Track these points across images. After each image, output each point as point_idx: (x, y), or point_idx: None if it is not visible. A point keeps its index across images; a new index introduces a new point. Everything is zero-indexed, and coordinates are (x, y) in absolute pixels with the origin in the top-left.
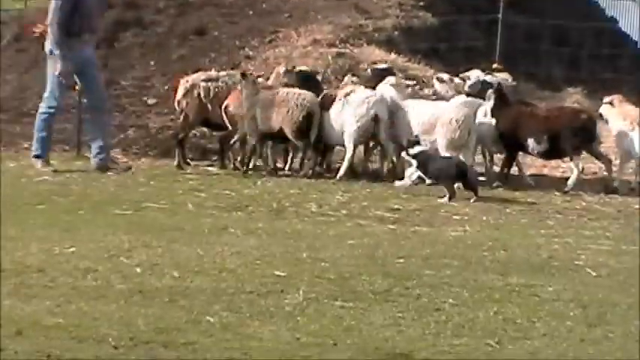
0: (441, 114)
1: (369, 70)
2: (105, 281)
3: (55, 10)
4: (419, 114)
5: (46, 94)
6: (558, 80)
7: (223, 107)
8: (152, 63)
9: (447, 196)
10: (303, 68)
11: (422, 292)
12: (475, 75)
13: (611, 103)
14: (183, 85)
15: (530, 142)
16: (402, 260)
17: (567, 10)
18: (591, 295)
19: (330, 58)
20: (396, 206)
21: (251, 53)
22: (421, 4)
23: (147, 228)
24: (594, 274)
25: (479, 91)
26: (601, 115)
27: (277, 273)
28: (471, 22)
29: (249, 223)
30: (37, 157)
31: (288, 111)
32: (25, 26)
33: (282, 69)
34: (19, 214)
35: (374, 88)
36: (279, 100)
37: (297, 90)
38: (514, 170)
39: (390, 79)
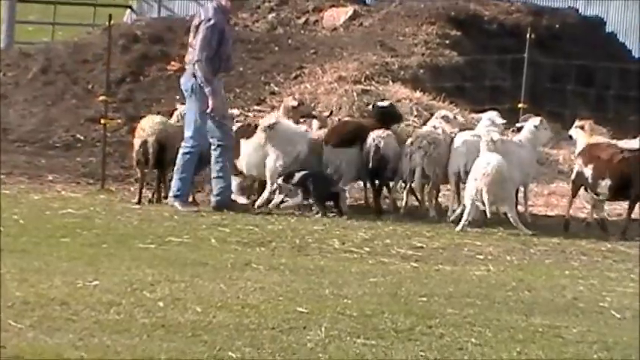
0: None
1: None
2: (128, 315)
3: (203, 47)
4: None
5: (189, 134)
6: None
7: None
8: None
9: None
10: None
11: (445, 331)
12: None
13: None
14: None
15: None
16: (424, 299)
17: (593, 51)
18: (616, 338)
19: (355, 94)
20: (419, 244)
21: (276, 89)
22: (447, 42)
23: (170, 262)
24: (619, 316)
25: None
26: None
27: (300, 309)
28: (496, 62)
29: (272, 259)
30: (176, 197)
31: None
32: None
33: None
34: (43, 246)
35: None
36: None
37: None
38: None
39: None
